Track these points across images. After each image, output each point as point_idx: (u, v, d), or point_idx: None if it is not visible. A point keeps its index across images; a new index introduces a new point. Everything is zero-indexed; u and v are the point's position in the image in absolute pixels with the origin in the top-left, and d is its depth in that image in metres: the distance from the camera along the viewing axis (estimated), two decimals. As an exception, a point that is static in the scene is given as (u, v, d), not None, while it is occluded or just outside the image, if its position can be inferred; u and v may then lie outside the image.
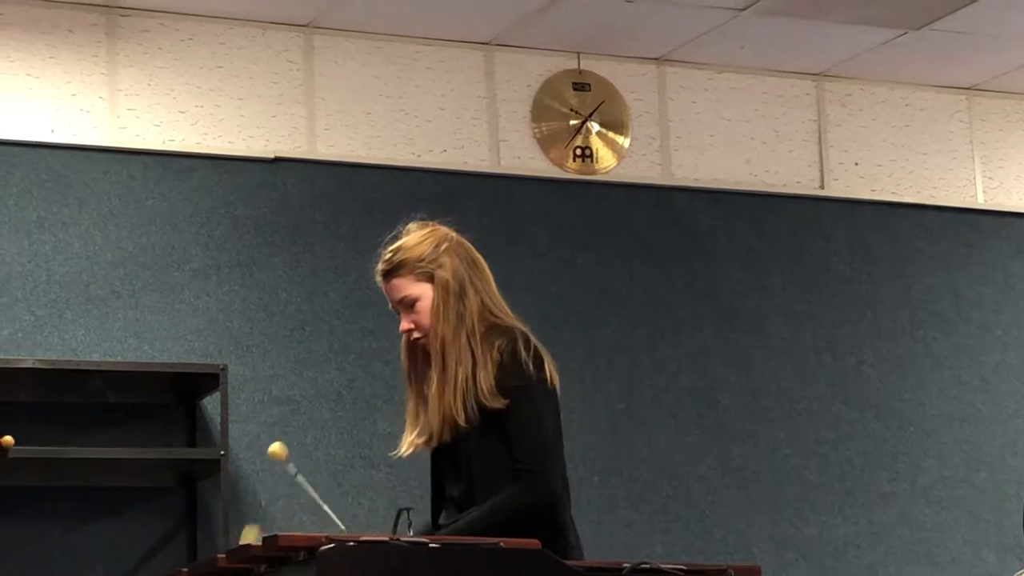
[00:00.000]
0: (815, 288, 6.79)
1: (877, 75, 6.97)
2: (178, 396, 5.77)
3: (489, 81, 6.48)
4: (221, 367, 5.57)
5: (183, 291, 5.91)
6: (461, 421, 3.82)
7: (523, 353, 3.84)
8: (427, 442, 3.94)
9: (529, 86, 6.54)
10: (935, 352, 6.90)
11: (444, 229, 4.02)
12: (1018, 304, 7.07)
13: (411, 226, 4.04)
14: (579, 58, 6.62)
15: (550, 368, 3.88)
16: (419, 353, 3.99)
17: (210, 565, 3.31)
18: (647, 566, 3.24)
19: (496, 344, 3.84)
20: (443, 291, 3.91)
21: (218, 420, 5.57)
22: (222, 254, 5.99)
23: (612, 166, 6.61)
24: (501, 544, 3.13)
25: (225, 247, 6.00)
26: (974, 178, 7.13)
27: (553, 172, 6.51)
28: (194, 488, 5.76)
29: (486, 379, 3.81)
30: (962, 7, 6.24)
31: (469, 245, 4.02)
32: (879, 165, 6.99)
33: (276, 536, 3.01)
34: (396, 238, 4.04)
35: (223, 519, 5.44)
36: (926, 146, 7.08)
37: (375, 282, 6.08)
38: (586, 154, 6.57)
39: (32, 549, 5.57)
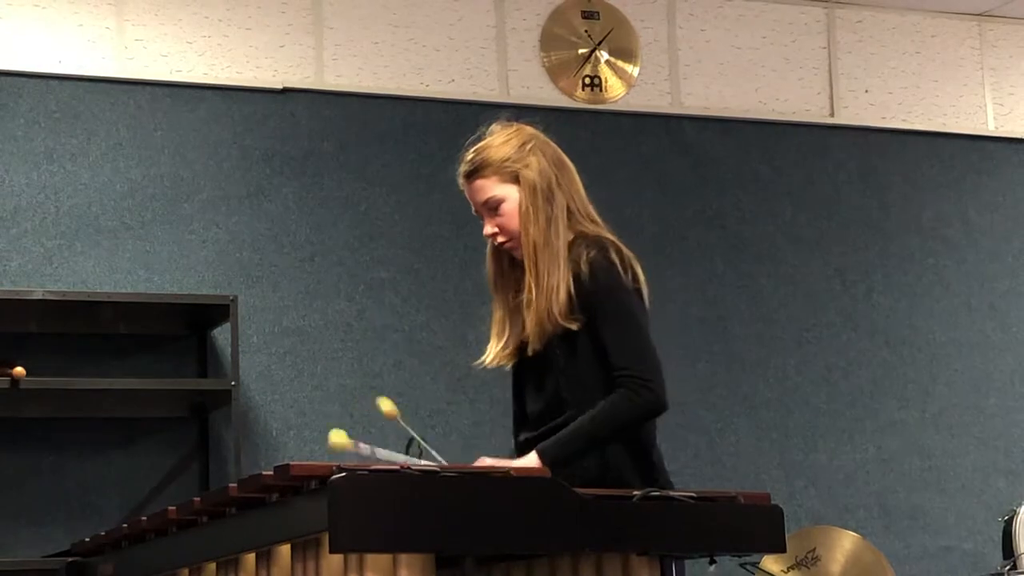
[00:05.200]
0: (825, 216, 6.79)
1: (888, 2, 6.94)
2: (189, 327, 5.78)
3: (498, 10, 6.45)
4: (231, 298, 5.58)
5: (192, 222, 5.91)
6: (548, 332, 3.67)
7: (616, 260, 3.69)
8: (514, 354, 3.80)
9: (538, 15, 6.51)
10: (945, 279, 6.91)
11: (529, 128, 3.85)
12: (1028, 231, 7.08)
13: (494, 126, 3.87)
14: (588, -14, 6.59)
15: (642, 277, 3.77)
16: (504, 260, 3.85)
17: (222, 494, 3.33)
18: (657, 493, 3.25)
19: (584, 255, 3.68)
20: (530, 192, 3.74)
21: (229, 351, 5.58)
22: (231, 185, 5.99)
23: (621, 95, 6.59)
24: (512, 473, 3.13)
25: (234, 178, 6.00)
26: (985, 105, 7.11)
27: (562, 101, 6.49)
28: (205, 418, 5.78)
29: (563, 295, 3.65)
30: (973, -68, 6.21)
31: (555, 145, 3.86)
32: (889, 92, 6.97)
33: (288, 465, 3.01)
34: (479, 139, 3.85)
35: (234, 449, 5.46)
36: (937, 73, 7.05)
37: (384, 212, 6.13)
38: (595, 83, 6.55)
39: (44, 480, 5.60)
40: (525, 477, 3.12)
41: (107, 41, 5.92)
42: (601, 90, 6.56)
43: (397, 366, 6.05)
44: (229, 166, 6.00)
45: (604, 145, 6.51)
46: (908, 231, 6.90)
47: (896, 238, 6.87)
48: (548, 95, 6.48)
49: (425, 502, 2.95)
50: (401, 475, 2.97)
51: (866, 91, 6.93)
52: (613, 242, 3.77)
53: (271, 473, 3.09)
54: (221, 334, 5.76)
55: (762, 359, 6.58)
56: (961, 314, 6.90)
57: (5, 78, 5.79)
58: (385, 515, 2.92)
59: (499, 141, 3.82)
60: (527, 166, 3.78)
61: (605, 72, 6.57)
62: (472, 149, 3.85)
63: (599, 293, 3.68)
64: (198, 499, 3.49)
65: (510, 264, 3.84)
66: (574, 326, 3.67)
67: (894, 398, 6.74)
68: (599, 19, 6.59)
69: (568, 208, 3.80)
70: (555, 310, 3.66)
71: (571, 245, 3.75)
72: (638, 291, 3.75)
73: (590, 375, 3.69)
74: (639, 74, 6.62)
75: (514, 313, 3.80)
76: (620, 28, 6.61)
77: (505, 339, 3.82)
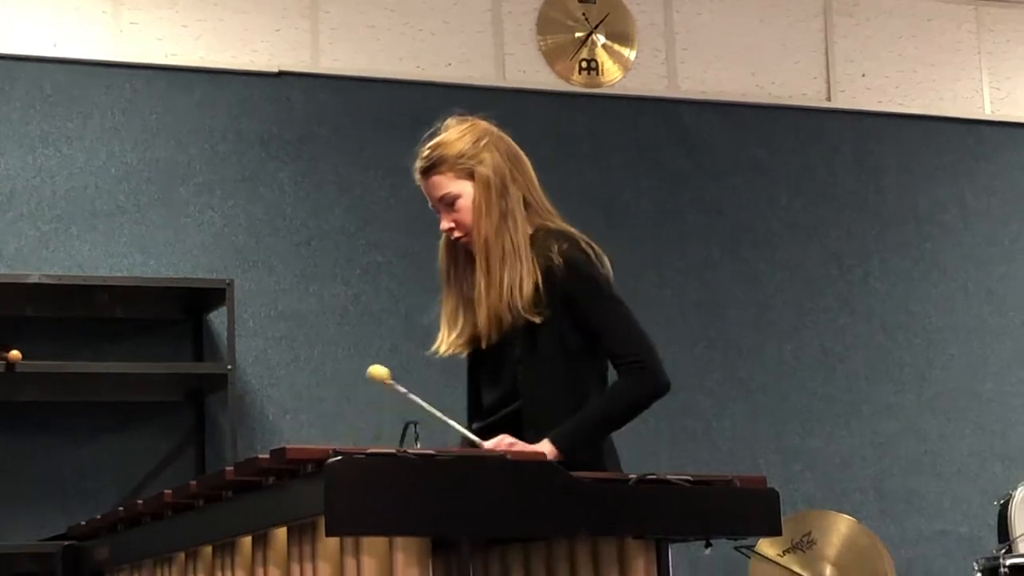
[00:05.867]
0: (821, 200, 6.78)
1: (884, -15, 6.94)
2: (185, 311, 5.77)
3: (494, -7, 6.45)
4: (227, 282, 5.57)
5: (188, 206, 5.90)
6: (506, 324, 3.72)
7: (590, 253, 3.75)
8: (469, 343, 3.86)
9: (534, -2, 6.51)
10: (942, 264, 6.91)
11: (484, 123, 3.89)
12: (1025, 215, 7.08)
13: (449, 121, 3.91)
14: (584, -30, 6.58)
15: (608, 267, 3.80)
16: (459, 253, 3.90)
17: (218, 478, 3.32)
18: (653, 477, 3.25)
19: (555, 247, 3.72)
20: (484, 188, 3.79)
21: (225, 335, 5.57)
22: (226, 169, 5.98)
23: (618, 79, 6.58)
24: (508, 456, 3.13)
25: (229, 162, 5.99)
26: (981, 89, 7.10)
27: (559, 85, 6.48)
28: (202, 402, 5.78)
29: (529, 288, 3.70)
30: (970, -84, 6.19)
31: (510, 140, 3.90)
32: (886, 76, 6.97)
33: (284, 449, 3.01)
34: (434, 134, 3.90)
35: (231, 433, 5.46)
36: (933, 57, 7.05)
37: (380, 196, 6.12)
38: (592, 67, 6.54)
39: (40, 463, 5.60)
40: (521, 461, 3.12)
41: (103, 25, 5.90)
42: (598, 74, 6.55)
43: (393, 350, 6.04)
44: (225, 150, 5.99)
45: (600, 129, 6.50)
46: (904, 216, 6.90)
47: (892, 223, 6.87)
48: (544, 79, 6.47)
49: (421, 485, 2.95)
50: (397, 459, 2.97)
51: (863, 75, 6.93)
52: (578, 234, 3.82)
53: (267, 456, 3.09)
54: (217, 318, 5.76)
55: (759, 344, 6.58)
56: (958, 299, 6.90)
57: (1, 61, 5.78)
58: (381, 498, 2.92)
59: (453, 137, 3.86)
60: (481, 162, 3.82)
61: (602, 56, 6.57)
62: (427, 145, 3.89)
63: (581, 285, 3.72)
64: (194, 482, 3.49)
65: (467, 258, 3.89)
66: (537, 319, 3.71)
67: (890, 383, 6.74)
68: (595, 3, 6.58)
69: (525, 201, 3.84)
70: (518, 303, 3.70)
71: (534, 238, 3.79)
72: (610, 281, 3.81)
73: (549, 368, 3.73)
74: (636, 58, 6.61)
75: (469, 304, 3.86)
76: (617, 12, 6.60)
77: (459, 329, 3.88)
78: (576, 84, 6.51)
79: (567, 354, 3.73)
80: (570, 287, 3.71)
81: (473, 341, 3.86)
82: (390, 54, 6.27)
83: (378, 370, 3.81)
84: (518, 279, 3.72)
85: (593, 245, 3.79)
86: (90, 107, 5.85)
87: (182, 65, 5.98)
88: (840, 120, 6.87)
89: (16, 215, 5.71)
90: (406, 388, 3.76)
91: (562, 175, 6.40)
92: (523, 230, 3.78)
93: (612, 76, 6.57)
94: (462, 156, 3.82)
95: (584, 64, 6.53)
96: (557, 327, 3.72)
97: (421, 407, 3.69)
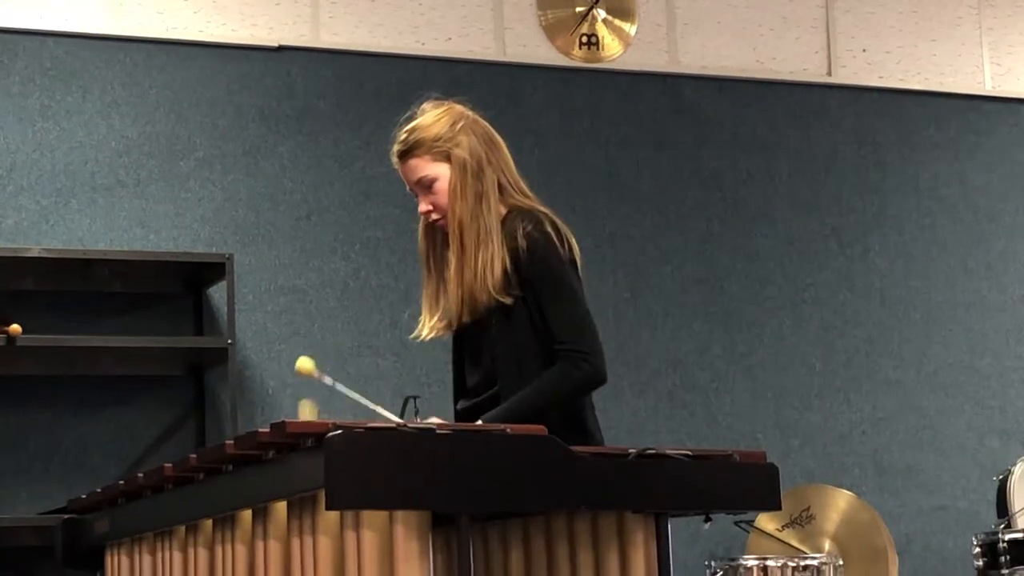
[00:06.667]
0: (822, 176, 6.78)
1: (885, -40, 6.92)
2: (185, 285, 5.77)
3: (494, -33, 6.43)
4: (227, 256, 5.57)
5: (188, 180, 5.90)
6: (481, 305, 3.78)
7: (552, 234, 3.78)
8: (448, 326, 3.91)
9: (535, -28, 6.50)
10: (941, 239, 6.91)
11: (460, 107, 3.96)
12: (1025, 191, 7.08)
13: (426, 105, 3.98)
14: (585, -56, 6.57)
15: (576, 248, 3.85)
16: (438, 236, 3.95)
17: (218, 452, 3.33)
18: (652, 452, 3.25)
19: (520, 228, 3.78)
20: (460, 170, 3.85)
21: (225, 309, 5.57)
22: (227, 143, 5.98)
23: (618, 54, 6.57)
24: (508, 431, 3.13)
25: (229, 136, 5.99)
26: (982, 64, 7.09)
27: (559, 60, 6.47)
28: (201, 376, 5.78)
29: (498, 270, 3.76)
30: None
31: (486, 123, 3.96)
32: (887, 52, 6.95)
33: (284, 422, 3.01)
34: (411, 118, 3.97)
35: (230, 407, 5.46)
36: (934, 32, 7.04)
37: (380, 171, 6.12)
38: (592, 42, 6.53)
39: (40, 437, 5.61)
40: (522, 435, 3.13)
41: (102, -2, 5.90)
42: (598, 48, 6.54)
43: (393, 325, 6.04)
44: (225, 124, 5.99)
45: (601, 104, 6.49)
46: (905, 191, 6.89)
47: (893, 198, 6.87)
48: (545, 54, 6.46)
49: (421, 459, 2.96)
50: (397, 432, 2.97)
51: (863, 50, 6.92)
52: (547, 214, 3.86)
53: (267, 430, 3.09)
54: (217, 292, 5.76)
55: (758, 319, 6.59)
56: (957, 274, 6.90)
57: (1, 35, 5.77)
58: (381, 472, 2.92)
59: (430, 121, 3.93)
60: (458, 145, 3.88)
61: (602, 30, 6.56)
62: (404, 129, 3.96)
63: (537, 266, 3.77)
64: (194, 456, 3.49)
65: (445, 241, 3.93)
66: (508, 300, 3.77)
67: (889, 358, 6.75)
68: (596, -23, 6.57)
69: (499, 184, 3.89)
70: (489, 284, 3.76)
71: (505, 219, 3.84)
72: (573, 263, 3.84)
73: (523, 348, 3.77)
74: (636, 32, 6.60)
75: (446, 287, 3.90)
76: (617, -14, 6.59)
77: (440, 312, 3.92)
78: (576, 59, 6.50)
79: (539, 335, 3.78)
80: (529, 268, 3.77)
81: (451, 324, 3.90)
82: (390, 28, 6.26)
83: (305, 363, 3.84)
84: (489, 260, 3.77)
85: (560, 227, 3.84)
86: (90, 81, 5.84)
87: (182, 39, 5.97)
88: (841, 95, 6.86)
89: (16, 189, 5.71)
90: (334, 379, 3.80)
91: (562, 150, 6.40)
92: (496, 212, 3.84)
93: (613, 51, 6.56)
94: (439, 139, 3.89)
95: (585, 39, 6.52)
96: (527, 308, 3.78)
97: (350, 397, 3.73)
